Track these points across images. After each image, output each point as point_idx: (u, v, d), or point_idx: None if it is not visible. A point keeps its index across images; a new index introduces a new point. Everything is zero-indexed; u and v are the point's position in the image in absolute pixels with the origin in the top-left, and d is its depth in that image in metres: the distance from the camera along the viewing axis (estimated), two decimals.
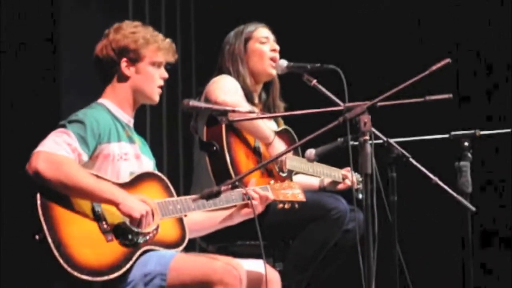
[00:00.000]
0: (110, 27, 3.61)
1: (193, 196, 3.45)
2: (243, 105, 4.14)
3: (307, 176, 4.53)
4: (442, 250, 5.89)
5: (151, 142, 4.68)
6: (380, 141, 3.23)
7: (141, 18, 4.34)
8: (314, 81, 3.76)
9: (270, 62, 4.42)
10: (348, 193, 4.38)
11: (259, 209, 3.63)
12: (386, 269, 3.23)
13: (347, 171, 4.56)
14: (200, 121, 4.29)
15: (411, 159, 3.22)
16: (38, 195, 3.20)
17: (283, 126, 4.53)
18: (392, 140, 3.26)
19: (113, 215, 3.29)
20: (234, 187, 3.26)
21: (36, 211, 3.18)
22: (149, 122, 5.68)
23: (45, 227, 3.16)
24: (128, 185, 3.40)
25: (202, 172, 4.23)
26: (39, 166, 3.20)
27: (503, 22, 5.83)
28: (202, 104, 3.81)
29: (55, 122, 3.43)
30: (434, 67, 3.13)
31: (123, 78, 3.57)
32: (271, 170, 4.29)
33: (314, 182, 4.61)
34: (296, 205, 3.81)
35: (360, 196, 4.38)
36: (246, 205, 3.62)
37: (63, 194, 3.24)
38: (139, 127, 3.71)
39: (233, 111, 3.67)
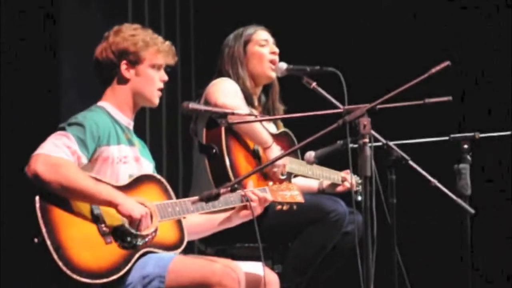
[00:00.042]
0: (109, 30, 3.62)
1: (192, 198, 3.45)
2: (243, 108, 4.15)
3: (306, 178, 4.53)
4: (441, 252, 5.89)
5: (151, 144, 4.69)
6: (380, 143, 3.23)
7: (141, 21, 4.35)
8: (314, 83, 3.76)
9: (269, 65, 4.42)
10: (347, 196, 4.38)
11: (258, 210, 3.63)
12: (385, 272, 3.23)
13: (346, 173, 4.56)
14: (199, 124, 4.29)
15: (410, 162, 3.21)
16: (37, 198, 3.20)
17: (282, 129, 4.53)
18: (391, 143, 3.26)
19: (112, 218, 3.29)
20: (233, 189, 3.26)
21: (35, 213, 3.18)
22: (149, 125, 5.68)
23: (44, 230, 3.16)
24: (127, 188, 3.40)
25: (202, 175, 4.23)
26: (38, 168, 3.21)
27: (503, 22, 5.84)
28: (201, 107, 3.81)
29: (54, 125, 3.43)
30: (433, 70, 3.13)
31: (123, 81, 3.57)
32: (270, 173, 4.29)
33: (313, 184, 4.60)
34: (295, 207, 3.81)
35: (359, 198, 4.38)
36: (244, 207, 3.62)
37: (62, 197, 3.24)
38: (139, 130, 3.71)
39: (233, 113, 3.67)
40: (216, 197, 3.14)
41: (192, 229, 3.59)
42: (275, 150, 4.26)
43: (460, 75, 5.75)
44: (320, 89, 3.71)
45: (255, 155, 4.28)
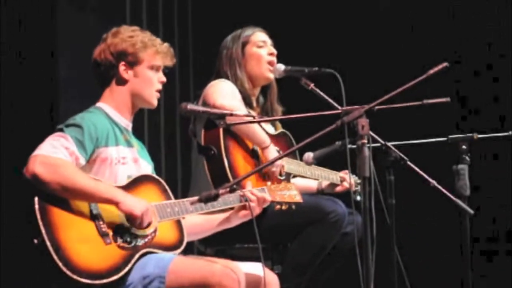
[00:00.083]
0: (108, 31, 3.62)
1: (191, 199, 3.45)
2: (241, 109, 4.15)
3: (305, 178, 4.54)
4: (440, 253, 5.89)
5: (149, 145, 4.69)
6: (378, 144, 3.24)
7: (139, 23, 4.35)
8: (312, 84, 3.77)
9: (267, 66, 4.43)
10: (346, 196, 4.38)
11: (257, 210, 3.63)
12: (384, 272, 3.23)
13: (345, 174, 4.56)
14: (198, 125, 4.30)
15: (409, 162, 3.22)
16: (36, 199, 3.20)
17: (280, 130, 4.54)
18: (390, 143, 3.26)
19: (111, 218, 3.29)
20: (232, 190, 3.26)
21: (34, 215, 3.18)
22: (147, 126, 5.68)
23: (43, 231, 3.16)
24: (126, 188, 3.39)
25: (200, 176, 4.23)
26: (37, 169, 3.21)
27: (503, 22, 5.85)
28: (200, 108, 3.81)
29: (52, 126, 3.43)
30: (431, 71, 3.13)
31: (122, 82, 3.57)
32: (269, 173, 4.29)
33: (312, 184, 4.61)
34: (293, 206, 3.81)
35: (358, 198, 4.38)
36: (243, 207, 3.62)
37: (61, 198, 3.24)
38: (137, 131, 3.71)
39: (231, 114, 3.68)
40: (215, 197, 3.14)
41: (192, 230, 3.59)
42: (273, 151, 4.26)
43: (459, 75, 5.76)
44: (318, 90, 3.71)
45: (253, 155, 4.29)
